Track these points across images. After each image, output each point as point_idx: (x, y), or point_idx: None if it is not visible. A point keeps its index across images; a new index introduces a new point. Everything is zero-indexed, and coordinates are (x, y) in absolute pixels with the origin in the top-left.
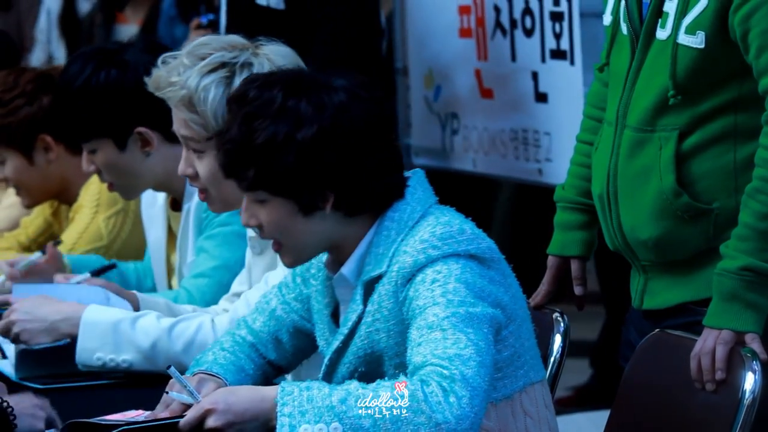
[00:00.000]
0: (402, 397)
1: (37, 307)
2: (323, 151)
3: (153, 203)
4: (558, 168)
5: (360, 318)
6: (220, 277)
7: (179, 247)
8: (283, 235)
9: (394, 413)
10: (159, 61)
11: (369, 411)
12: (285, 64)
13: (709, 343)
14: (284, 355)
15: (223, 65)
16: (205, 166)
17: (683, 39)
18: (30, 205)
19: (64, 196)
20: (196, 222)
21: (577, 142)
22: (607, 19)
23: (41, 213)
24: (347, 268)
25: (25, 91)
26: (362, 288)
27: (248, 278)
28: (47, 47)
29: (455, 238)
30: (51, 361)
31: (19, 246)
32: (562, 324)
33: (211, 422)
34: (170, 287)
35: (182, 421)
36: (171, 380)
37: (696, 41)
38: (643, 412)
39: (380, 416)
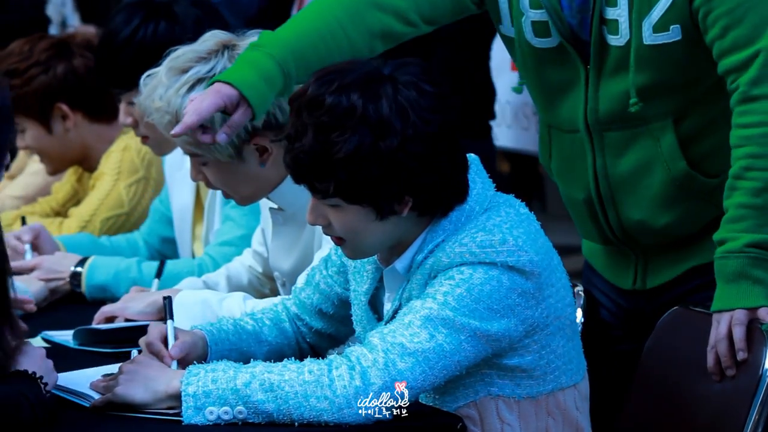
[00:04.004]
0: (307, 383)
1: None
2: (406, 159)
3: (180, 166)
4: None
5: (397, 309)
6: (246, 246)
7: (207, 215)
8: (353, 236)
9: (299, 399)
10: (141, 81)
11: (272, 395)
12: None
13: (723, 328)
14: (331, 323)
15: (201, 80)
16: (212, 173)
17: (653, 39)
18: (53, 172)
19: (87, 162)
20: None
21: None
22: (511, 31)
23: (69, 180)
24: (401, 264)
25: (40, 60)
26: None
27: (264, 241)
28: (61, 9)
29: (495, 248)
30: (106, 337)
31: (51, 210)
32: (582, 297)
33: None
34: (193, 254)
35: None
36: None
37: (672, 35)
38: (662, 388)
39: (283, 401)
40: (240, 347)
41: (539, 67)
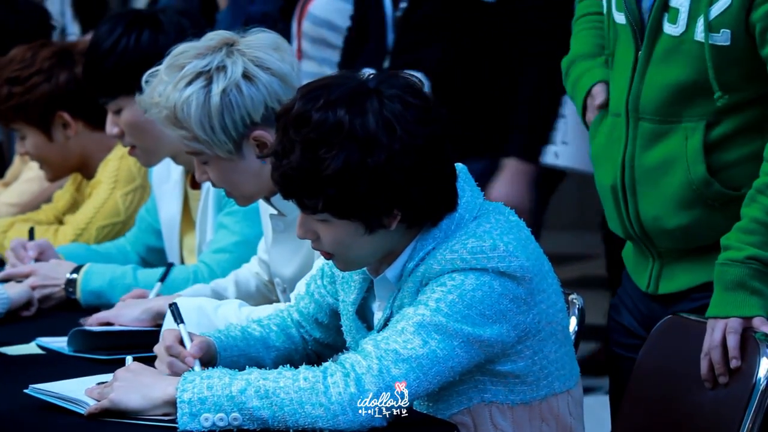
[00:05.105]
0: (302, 390)
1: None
2: (393, 173)
3: (166, 179)
4: (574, 151)
5: (389, 318)
6: (241, 253)
7: (199, 226)
8: (342, 250)
9: (294, 406)
10: (143, 80)
11: (267, 402)
12: (263, 57)
13: (717, 335)
14: (328, 333)
15: (198, 75)
16: (213, 171)
17: (703, 37)
18: (52, 178)
19: (86, 170)
20: (216, 200)
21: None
22: (602, 7)
23: (68, 189)
24: (391, 273)
25: (42, 68)
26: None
27: (267, 249)
28: (60, 20)
29: (486, 254)
30: (101, 343)
31: (54, 219)
32: (577, 305)
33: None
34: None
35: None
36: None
37: (721, 39)
38: (656, 396)
39: (278, 408)
40: (248, 353)
41: (616, 42)
